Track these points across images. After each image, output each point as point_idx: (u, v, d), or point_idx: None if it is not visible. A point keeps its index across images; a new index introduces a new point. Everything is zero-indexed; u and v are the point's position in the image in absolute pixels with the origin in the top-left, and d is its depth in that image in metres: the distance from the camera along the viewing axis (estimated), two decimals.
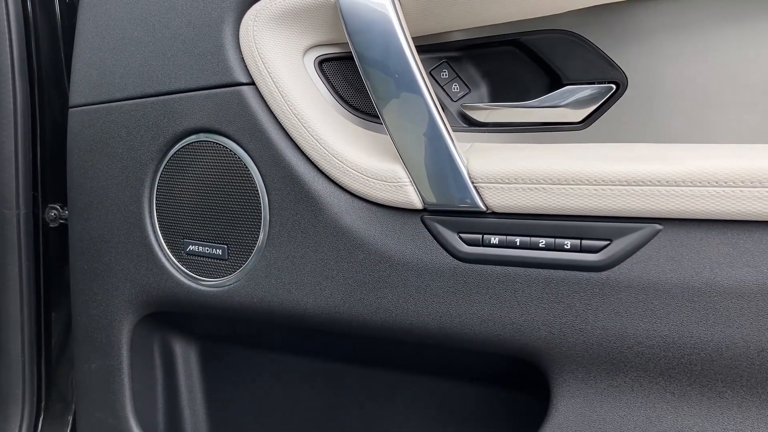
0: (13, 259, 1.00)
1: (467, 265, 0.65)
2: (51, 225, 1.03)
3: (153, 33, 0.78)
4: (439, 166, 0.64)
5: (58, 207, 1.02)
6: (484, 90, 0.77)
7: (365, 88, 0.66)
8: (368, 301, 0.70)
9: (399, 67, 0.64)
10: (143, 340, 0.89)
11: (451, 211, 0.66)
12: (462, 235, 0.65)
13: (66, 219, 1.00)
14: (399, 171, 0.66)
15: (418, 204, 0.66)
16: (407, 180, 0.66)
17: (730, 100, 0.67)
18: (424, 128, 0.64)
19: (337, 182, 0.70)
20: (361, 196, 0.69)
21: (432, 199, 0.66)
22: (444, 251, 0.66)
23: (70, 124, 0.86)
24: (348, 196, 0.70)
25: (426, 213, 0.67)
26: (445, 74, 0.76)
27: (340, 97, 0.76)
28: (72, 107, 0.85)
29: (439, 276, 0.67)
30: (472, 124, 0.76)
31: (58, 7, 1.03)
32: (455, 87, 0.76)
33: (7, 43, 0.95)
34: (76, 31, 0.84)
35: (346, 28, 0.65)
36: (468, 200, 0.64)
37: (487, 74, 0.76)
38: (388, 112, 0.66)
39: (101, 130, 0.83)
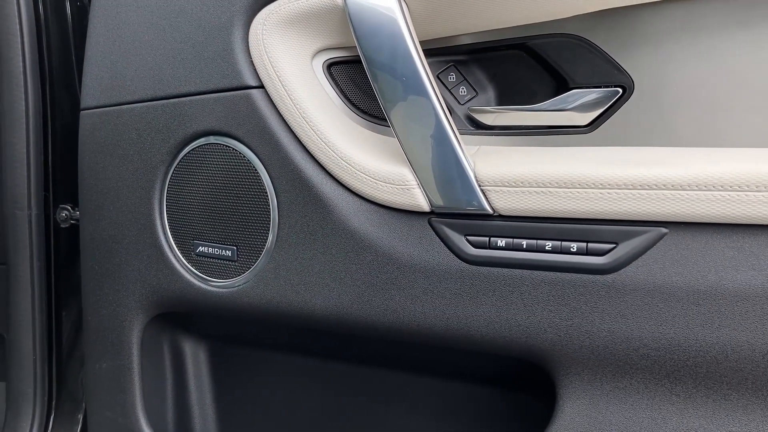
0: (25, 258, 1.01)
1: (474, 267, 0.66)
2: (62, 225, 1.03)
3: (163, 36, 0.78)
4: (447, 169, 0.65)
5: (69, 208, 1.03)
6: (491, 93, 0.77)
7: (373, 91, 0.67)
8: (376, 302, 0.70)
9: (406, 70, 0.64)
10: (153, 340, 0.90)
11: (459, 214, 0.66)
12: (469, 237, 0.66)
13: (77, 219, 1.00)
14: (406, 174, 0.67)
15: (425, 206, 0.67)
16: (415, 183, 0.66)
17: (736, 104, 0.67)
18: (431, 131, 0.65)
19: (345, 185, 0.70)
20: (368, 198, 0.70)
21: (439, 201, 0.66)
22: (451, 254, 0.67)
23: (81, 126, 0.86)
24: (356, 199, 0.70)
25: (433, 216, 0.67)
26: (452, 77, 0.77)
27: (349, 100, 0.76)
28: (83, 110, 0.86)
29: (446, 278, 0.67)
30: (479, 127, 0.76)
31: (69, 10, 1.04)
32: (462, 90, 0.76)
33: (19, 45, 0.96)
34: (88, 34, 0.85)
35: (354, 32, 0.66)
36: (475, 203, 0.65)
37: (494, 78, 0.77)
38: (396, 115, 0.66)
39: (112, 132, 0.83)
